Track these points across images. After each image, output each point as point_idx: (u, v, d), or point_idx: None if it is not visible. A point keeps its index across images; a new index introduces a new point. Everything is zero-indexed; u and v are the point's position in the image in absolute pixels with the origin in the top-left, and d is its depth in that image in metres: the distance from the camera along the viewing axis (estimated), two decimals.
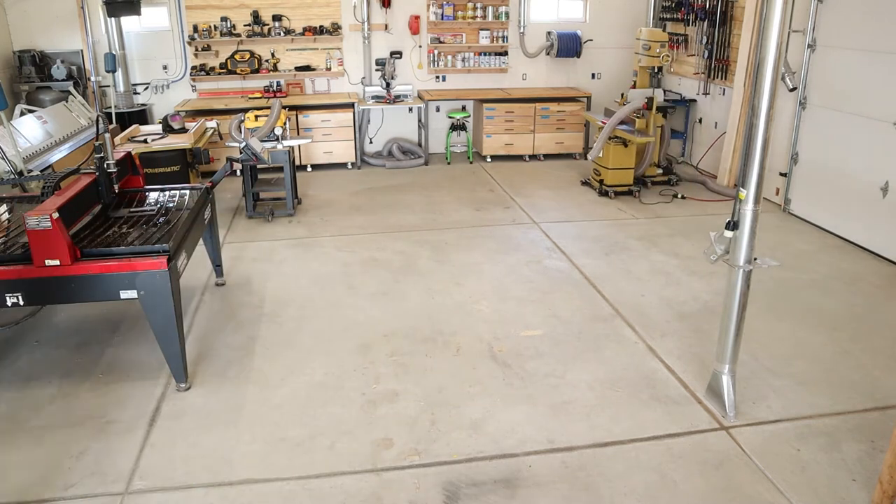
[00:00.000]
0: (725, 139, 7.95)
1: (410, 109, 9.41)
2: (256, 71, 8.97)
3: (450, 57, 9.42)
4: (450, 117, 9.21)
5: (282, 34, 8.89)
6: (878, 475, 2.94)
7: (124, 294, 3.72)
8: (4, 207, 4.67)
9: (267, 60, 9.05)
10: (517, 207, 7.32)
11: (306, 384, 4.04)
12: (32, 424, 3.68)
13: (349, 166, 9.00)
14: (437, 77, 9.54)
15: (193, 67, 8.92)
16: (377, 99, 8.98)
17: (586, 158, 8.77)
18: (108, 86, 8.61)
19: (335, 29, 9.02)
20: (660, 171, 8.06)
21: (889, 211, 5.76)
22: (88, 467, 3.34)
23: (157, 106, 9.00)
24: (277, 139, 6.86)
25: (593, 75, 9.81)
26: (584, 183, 8.13)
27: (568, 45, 9.34)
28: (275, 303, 5.09)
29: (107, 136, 4.38)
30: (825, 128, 6.49)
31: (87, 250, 3.76)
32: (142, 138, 6.97)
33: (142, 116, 8.61)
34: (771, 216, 6.88)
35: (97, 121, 4.45)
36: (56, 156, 6.41)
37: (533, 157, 9.35)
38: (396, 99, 8.99)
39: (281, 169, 7.07)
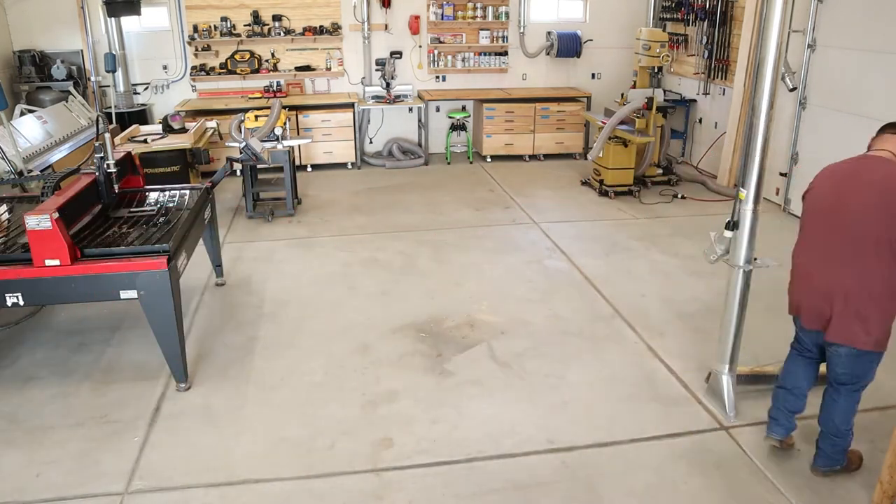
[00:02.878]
0: (725, 139, 7.95)
1: (410, 109, 9.40)
2: (256, 71, 8.97)
3: (450, 57, 9.42)
4: (450, 117, 9.20)
5: (282, 34, 8.88)
6: (878, 475, 2.95)
7: (124, 294, 3.72)
8: (4, 207, 4.67)
9: (267, 60, 9.05)
10: (517, 207, 7.32)
11: (306, 384, 4.04)
12: (32, 424, 3.68)
13: (349, 166, 9.00)
14: (437, 77, 9.54)
15: (193, 67, 8.91)
16: (377, 99, 8.98)
17: (586, 158, 8.76)
18: (108, 86, 8.61)
19: (335, 29, 9.02)
20: (660, 171, 8.06)
21: None
22: (88, 467, 3.34)
23: (157, 106, 9.00)
24: (277, 139, 6.85)
25: (593, 75, 9.81)
26: (584, 183, 8.13)
27: (568, 45, 9.33)
28: (275, 303, 5.09)
29: (107, 136, 4.38)
30: (825, 128, 6.49)
31: (87, 250, 3.76)
32: (142, 138, 6.97)
33: (142, 116, 8.60)
34: (771, 216, 6.87)
35: (97, 121, 4.45)
36: (56, 156, 6.41)
37: (533, 157, 9.34)
38: (396, 99, 8.99)
39: (281, 169, 7.07)
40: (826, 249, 3.05)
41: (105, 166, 4.42)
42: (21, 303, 3.67)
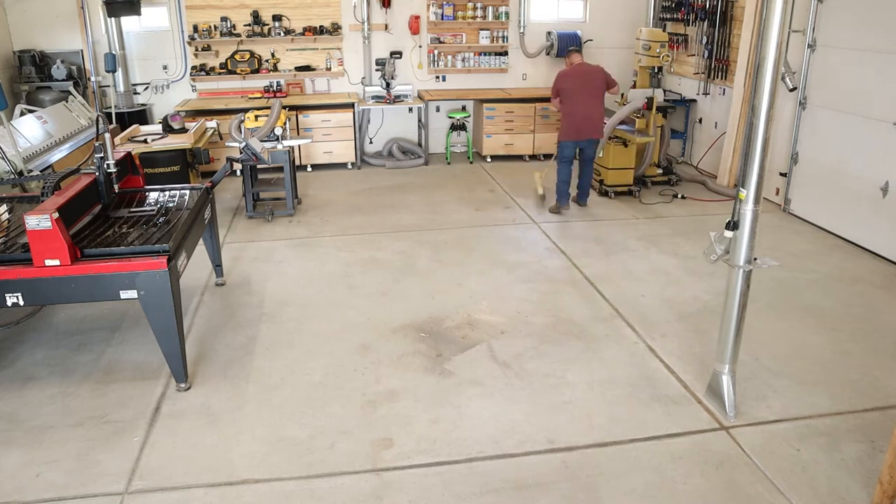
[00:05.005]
0: (725, 139, 7.95)
1: (410, 109, 9.41)
2: (256, 71, 8.97)
3: (450, 57, 9.42)
4: (450, 117, 9.21)
5: (282, 34, 8.89)
6: (878, 475, 2.95)
7: (124, 294, 3.72)
8: (4, 207, 4.68)
9: (267, 60, 9.05)
10: (517, 207, 7.32)
11: (306, 384, 4.04)
12: (32, 424, 3.68)
13: (349, 166, 9.00)
14: (437, 77, 9.54)
15: (193, 67, 8.92)
16: (377, 99, 8.98)
17: None
18: (108, 86, 8.62)
19: (335, 29, 9.02)
20: (660, 171, 8.06)
21: (889, 211, 5.76)
22: (88, 467, 3.34)
23: (157, 106, 9.00)
24: (277, 139, 6.86)
25: None
26: None
27: (568, 45, 9.31)
28: (275, 303, 5.09)
29: (107, 136, 4.38)
30: (825, 128, 6.49)
31: (87, 250, 3.76)
32: (142, 138, 6.97)
33: (142, 116, 8.61)
34: (771, 216, 6.88)
35: (97, 121, 4.45)
36: (56, 156, 6.41)
37: (533, 157, 9.35)
38: (396, 99, 8.99)
39: (281, 169, 7.07)
40: (584, 101, 6.80)
41: (105, 166, 4.42)
42: (21, 303, 3.67)
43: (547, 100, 9.14)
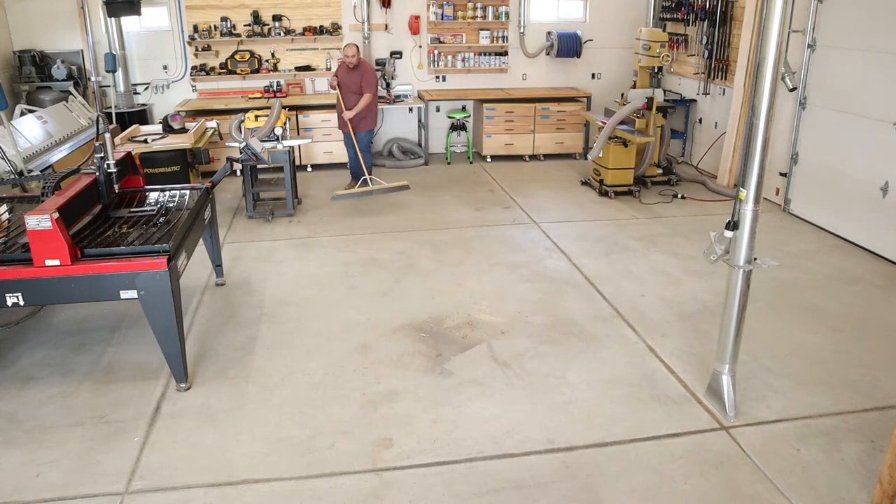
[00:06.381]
0: (725, 139, 7.95)
1: (410, 109, 9.41)
2: (256, 71, 8.97)
3: (450, 57, 9.42)
4: (450, 117, 9.20)
5: (282, 34, 8.89)
6: (878, 475, 2.95)
7: (124, 294, 3.72)
8: (4, 207, 4.68)
9: (267, 60, 9.05)
10: (517, 207, 7.32)
11: (306, 384, 4.05)
12: (32, 424, 3.68)
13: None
14: (437, 77, 9.54)
15: (193, 67, 8.92)
16: (377, 99, 8.97)
17: (586, 158, 8.77)
18: (108, 86, 8.62)
19: (335, 29, 9.02)
20: (660, 171, 8.05)
21: (889, 211, 5.76)
22: (88, 467, 3.34)
23: (157, 106, 9.00)
24: (277, 139, 6.85)
25: (593, 75, 9.81)
26: (584, 183, 8.13)
27: (568, 45, 9.33)
28: (275, 303, 5.09)
29: (107, 136, 4.38)
30: (825, 128, 6.49)
31: (87, 250, 3.76)
32: (142, 138, 6.97)
33: (142, 116, 8.61)
34: (771, 216, 6.88)
35: (97, 121, 4.45)
36: (56, 156, 6.41)
37: (533, 157, 9.35)
38: (396, 99, 8.99)
39: (281, 169, 7.07)
40: (347, 97, 7.51)
41: (105, 166, 4.42)
42: (21, 303, 3.67)
43: (547, 100, 9.19)
